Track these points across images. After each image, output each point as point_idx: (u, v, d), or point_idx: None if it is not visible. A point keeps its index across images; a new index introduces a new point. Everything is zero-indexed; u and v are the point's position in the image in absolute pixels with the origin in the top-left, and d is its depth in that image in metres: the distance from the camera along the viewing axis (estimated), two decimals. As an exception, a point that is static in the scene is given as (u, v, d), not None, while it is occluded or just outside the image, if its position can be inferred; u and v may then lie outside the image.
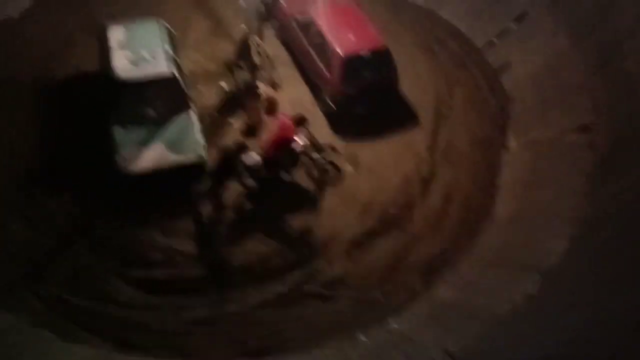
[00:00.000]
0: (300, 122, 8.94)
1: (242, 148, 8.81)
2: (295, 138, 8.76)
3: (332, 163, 9.24)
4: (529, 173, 9.41)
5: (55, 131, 9.42)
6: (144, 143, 8.56)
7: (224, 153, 8.82)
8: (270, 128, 9.48)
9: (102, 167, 8.53)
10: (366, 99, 10.17)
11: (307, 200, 9.00)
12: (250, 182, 8.72)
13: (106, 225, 8.29)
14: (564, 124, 9.57)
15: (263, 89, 10.19)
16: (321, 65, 10.26)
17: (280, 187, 8.98)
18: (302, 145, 8.83)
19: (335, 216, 8.82)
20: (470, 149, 10.04)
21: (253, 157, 8.64)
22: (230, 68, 10.46)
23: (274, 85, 10.55)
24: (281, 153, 8.75)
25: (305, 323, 7.51)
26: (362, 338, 7.20)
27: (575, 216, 7.96)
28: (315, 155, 9.15)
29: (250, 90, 10.04)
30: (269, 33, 11.51)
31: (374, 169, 9.57)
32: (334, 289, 7.94)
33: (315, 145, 9.17)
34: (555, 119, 9.82)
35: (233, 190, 8.83)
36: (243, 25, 10.48)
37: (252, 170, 8.61)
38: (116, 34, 9.46)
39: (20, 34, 10.93)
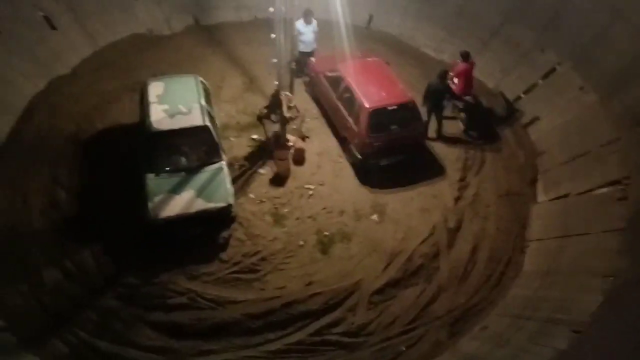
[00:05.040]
0: None
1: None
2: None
3: None
4: (560, 227, 9.19)
5: (92, 181, 9.86)
6: (175, 191, 8.81)
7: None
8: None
9: (135, 216, 8.77)
10: (393, 150, 10.34)
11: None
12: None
13: (133, 272, 8.46)
14: (594, 179, 9.39)
15: (292, 140, 10.57)
16: (349, 118, 10.59)
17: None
18: None
19: (360, 265, 8.80)
20: (498, 202, 9.97)
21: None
22: (261, 120, 10.91)
23: (302, 137, 10.92)
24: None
25: (325, 371, 7.34)
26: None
27: (608, 273, 7.64)
28: None
29: (280, 142, 10.42)
30: (300, 88, 12.06)
31: (401, 219, 9.61)
32: (356, 337, 7.79)
33: None
34: (586, 173, 9.66)
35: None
36: (275, 82, 10.98)
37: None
38: (155, 89, 10.05)
39: (69, 90, 11.79)
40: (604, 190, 9.09)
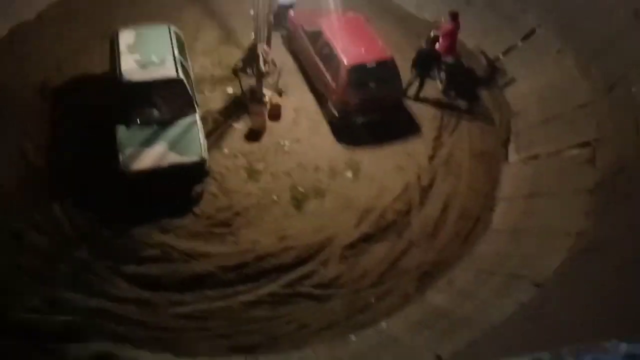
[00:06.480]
0: None
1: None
2: None
3: None
4: (529, 187, 9.40)
5: (62, 133, 9.63)
6: (147, 143, 8.68)
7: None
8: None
9: (106, 168, 8.64)
10: (370, 108, 10.29)
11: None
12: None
13: (106, 225, 8.41)
14: (566, 140, 9.54)
15: (268, 95, 10.42)
16: (327, 74, 10.44)
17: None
18: None
19: (334, 220, 8.91)
20: (471, 161, 10.09)
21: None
22: (236, 74, 10.71)
23: (278, 92, 10.77)
24: None
25: (297, 322, 7.53)
26: (353, 338, 7.19)
27: (573, 232, 7.89)
28: None
29: (255, 96, 10.27)
30: (277, 42, 11.79)
31: (375, 176, 9.68)
32: (327, 289, 7.98)
33: None
34: (558, 135, 9.81)
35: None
36: (252, 35, 10.70)
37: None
38: (126, 38, 9.71)
39: (35, 38, 11.28)
40: (574, 151, 9.27)
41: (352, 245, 8.53)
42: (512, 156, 10.24)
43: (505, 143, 10.46)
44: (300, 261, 8.23)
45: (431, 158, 10.06)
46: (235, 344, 7.21)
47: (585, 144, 9.16)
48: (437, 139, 10.45)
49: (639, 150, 8.12)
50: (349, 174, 9.66)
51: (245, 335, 7.31)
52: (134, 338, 7.17)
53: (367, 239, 8.65)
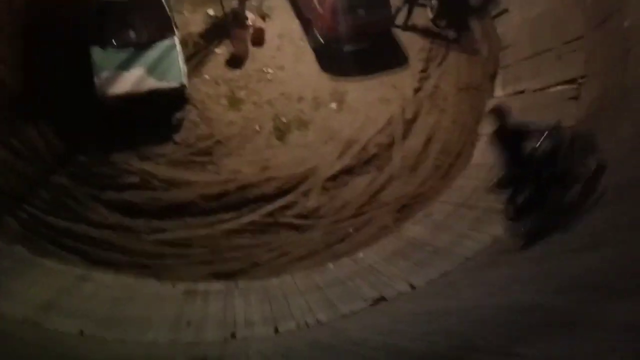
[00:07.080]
0: None
1: None
2: None
3: None
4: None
5: (34, 54, 9.12)
6: (124, 66, 8.37)
7: None
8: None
9: (81, 91, 8.36)
10: (357, 37, 9.95)
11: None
12: None
13: (84, 151, 8.27)
14: (553, 77, 9.40)
15: (251, 18, 9.97)
16: (314, -1, 9.97)
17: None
18: None
19: (316, 152, 8.88)
20: (457, 95, 9.97)
21: None
22: (218, -6, 10.16)
23: (262, 16, 10.31)
24: None
25: (277, 250, 7.71)
26: (331, 267, 7.42)
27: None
28: None
29: (238, 19, 9.82)
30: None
31: (359, 108, 9.56)
32: (307, 219, 8.11)
33: None
34: (546, 70, 9.65)
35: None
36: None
37: None
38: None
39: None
40: (559, 88, 9.18)
41: (333, 177, 8.59)
42: (498, 91, 10.13)
43: (492, 77, 10.30)
44: (282, 192, 8.30)
45: (417, 90, 9.91)
46: (216, 270, 7.41)
47: (571, 81, 9.05)
48: (424, 70, 10.24)
49: (624, 89, 8.06)
50: (333, 105, 9.52)
51: (226, 262, 7.51)
52: (117, 263, 7.31)
53: (348, 171, 8.69)
